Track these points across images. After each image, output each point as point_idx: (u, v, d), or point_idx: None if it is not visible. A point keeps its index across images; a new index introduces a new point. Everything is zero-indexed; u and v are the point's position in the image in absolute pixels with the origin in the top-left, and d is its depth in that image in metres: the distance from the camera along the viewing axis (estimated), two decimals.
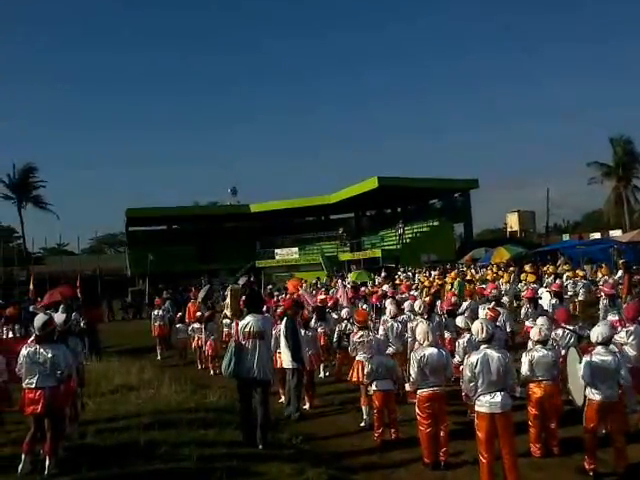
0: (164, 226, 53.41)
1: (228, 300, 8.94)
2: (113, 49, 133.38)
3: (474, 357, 5.96)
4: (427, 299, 12.64)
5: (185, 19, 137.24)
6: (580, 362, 6.36)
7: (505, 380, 5.86)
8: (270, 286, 28.12)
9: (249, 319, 7.38)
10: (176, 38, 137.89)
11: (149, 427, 7.47)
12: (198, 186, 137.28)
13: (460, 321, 8.79)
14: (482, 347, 6.03)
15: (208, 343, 14.20)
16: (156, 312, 17.86)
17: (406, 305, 11.46)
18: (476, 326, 6.22)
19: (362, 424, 8.51)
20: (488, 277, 20.60)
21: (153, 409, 8.74)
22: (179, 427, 7.56)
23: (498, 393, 5.80)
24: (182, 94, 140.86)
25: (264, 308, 12.97)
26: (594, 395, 6.17)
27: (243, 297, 8.20)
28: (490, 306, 10.22)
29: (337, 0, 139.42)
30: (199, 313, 15.66)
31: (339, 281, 18.92)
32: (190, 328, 15.51)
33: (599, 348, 6.27)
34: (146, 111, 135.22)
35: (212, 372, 13.59)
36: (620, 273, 18.19)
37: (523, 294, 15.39)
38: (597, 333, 6.39)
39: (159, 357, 16.91)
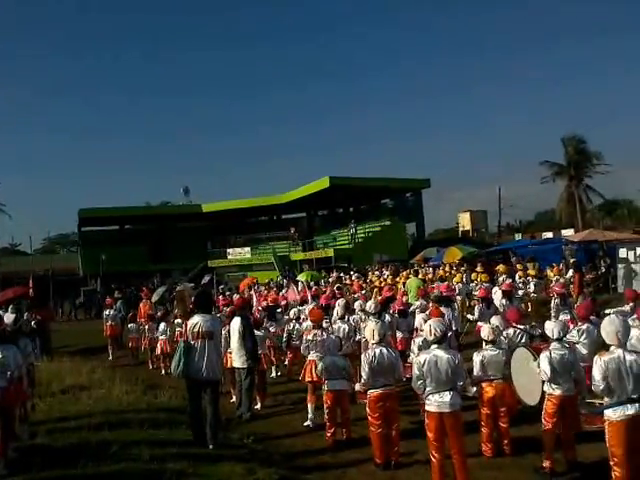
0: (116, 226, 52.52)
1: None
2: (64, 54, 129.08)
3: (422, 356, 6.04)
4: (379, 298, 12.79)
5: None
6: (535, 360, 6.47)
7: (454, 380, 5.93)
8: (222, 286, 27.99)
9: (198, 319, 7.35)
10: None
11: (100, 427, 7.37)
12: (150, 186, 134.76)
13: (419, 320, 8.90)
14: (432, 347, 6.10)
15: (159, 343, 14.14)
16: (107, 312, 17.65)
17: (356, 305, 11.62)
18: (427, 327, 6.27)
19: (306, 423, 8.57)
20: (439, 277, 20.92)
21: (104, 409, 8.64)
22: (130, 427, 7.50)
23: (447, 392, 5.86)
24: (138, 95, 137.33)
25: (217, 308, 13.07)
26: (554, 390, 6.26)
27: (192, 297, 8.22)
28: (435, 306, 10.38)
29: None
30: (151, 312, 15.57)
31: (304, 282, 18.98)
32: (141, 328, 15.39)
33: (555, 343, 6.39)
34: (98, 116, 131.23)
35: (164, 372, 13.50)
36: (571, 272, 18.62)
37: (476, 293, 15.73)
38: (552, 329, 6.53)
39: (111, 357, 16.73)
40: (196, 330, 7.27)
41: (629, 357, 5.14)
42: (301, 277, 23.76)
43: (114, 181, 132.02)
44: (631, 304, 9.52)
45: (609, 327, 5.30)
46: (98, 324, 20.48)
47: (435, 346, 6.10)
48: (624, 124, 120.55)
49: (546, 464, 6.27)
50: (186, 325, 7.55)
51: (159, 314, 15.32)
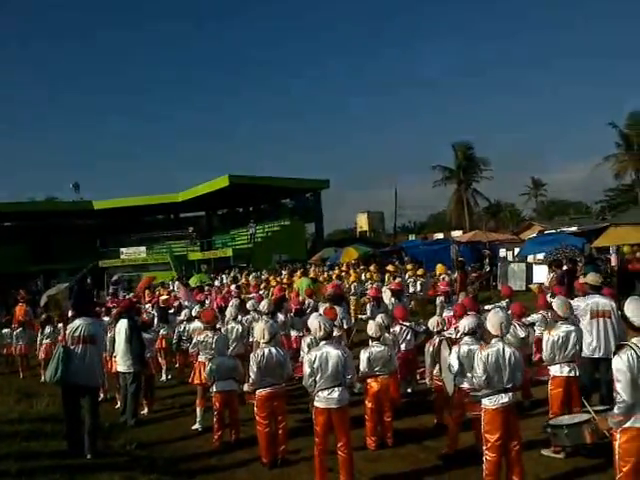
0: None
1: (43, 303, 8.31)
2: None
3: (313, 354, 6.07)
4: (272, 298, 12.76)
5: None
6: (450, 354, 6.64)
7: (343, 376, 6.02)
8: (114, 286, 26.97)
9: (79, 323, 7.04)
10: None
11: None
12: (36, 181, 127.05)
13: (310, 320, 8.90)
14: (321, 344, 6.17)
15: (43, 347, 13.37)
16: None
17: (249, 305, 11.52)
18: (314, 324, 6.35)
19: (194, 427, 8.43)
20: (334, 276, 21.21)
21: None
22: None
23: (335, 388, 5.94)
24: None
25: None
26: (463, 383, 6.45)
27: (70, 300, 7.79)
28: (329, 305, 10.51)
29: None
30: (21, 318, 14.69)
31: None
32: (15, 333, 14.49)
33: (466, 338, 6.54)
34: None
35: (43, 379, 12.75)
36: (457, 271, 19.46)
37: (368, 292, 16.06)
38: (463, 324, 6.68)
39: None
40: (77, 334, 6.98)
41: (508, 350, 5.44)
42: (192, 282, 23.35)
43: None
44: (507, 300, 10.06)
45: (494, 318, 5.58)
46: None
47: (324, 342, 6.16)
48: (507, 132, 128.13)
49: (449, 449, 6.63)
50: (65, 329, 7.15)
51: (42, 317, 14.45)
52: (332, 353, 6.02)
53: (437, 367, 7.30)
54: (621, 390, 4.12)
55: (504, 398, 5.36)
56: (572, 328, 6.69)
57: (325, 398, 5.95)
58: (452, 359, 6.42)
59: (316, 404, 6.04)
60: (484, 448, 5.44)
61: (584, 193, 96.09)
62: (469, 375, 6.26)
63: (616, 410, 4.20)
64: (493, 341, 5.51)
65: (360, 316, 12.94)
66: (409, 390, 9.29)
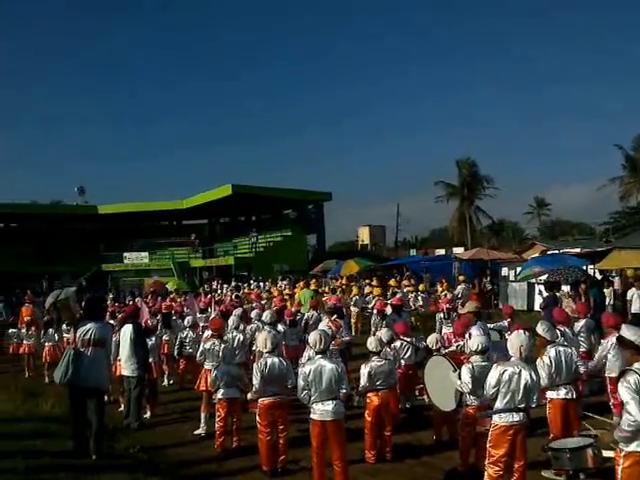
0: (0, 224, 49.29)
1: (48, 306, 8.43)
2: None
3: (308, 367, 6.18)
4: (274, 308, 12.89)
5: None
6: (455, 372, 6.59)
7: (337, 389, 6.12)
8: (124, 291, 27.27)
9: (90, 326, 7.14)
10: None
11: None
12: (41, 184, 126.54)
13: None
14: (316, 357, 6.27)
15: (46, 349, 13.51)
16: None
17: (253, 314, 11.66)
18: (315, 337, 6.43)
19: (197, 431, 8.54)
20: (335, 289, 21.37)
21: None
22: (6, 438, 7.14)
23: (330, 401, 6.05)
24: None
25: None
26: (473, 401, 6.44)
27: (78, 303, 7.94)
28: (333, 318, 10.61)
29: None
30: (29, 318, 14.82)
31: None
32: (22, 333, 14.61)
33: (477, 357, 6.51)
34: None
35: (47, 380, 12.87)
36: (459, 288, 19.53)
37: (370, 306, 16.22)
38: (476, 342, 6.65)
39: None
40: (87, 337, 7.08)
41: (525, 371, 5.47)
42: (169, 285, 23.61)
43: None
44: (508, 320, 10.16)
45: (515, 340, 5.66)
46: None
47: (319, 356, 6.27)
48: (512, 151, 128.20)
49: (461, 469, 6.58)
50: (75, 331, 7.30)
51: (45, 319, 14.59)
52: (327, 367, 6.12)
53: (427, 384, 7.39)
54: (632, 410, 4.22)
55: (515, 417, 5.42)
56: (561, 349, 6.70)
57: (320, 411, 6.07)
58: (465, 378, 6.33)
59: (312, 416, 6.15)
60: (487, 462, 5.48)
61: (588, 214, 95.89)
62: (479, 393, 6.21)
63: (626, 427, 4.27)
64: (512, 359, 5.58)
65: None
66: (408, 405, 9.39)
